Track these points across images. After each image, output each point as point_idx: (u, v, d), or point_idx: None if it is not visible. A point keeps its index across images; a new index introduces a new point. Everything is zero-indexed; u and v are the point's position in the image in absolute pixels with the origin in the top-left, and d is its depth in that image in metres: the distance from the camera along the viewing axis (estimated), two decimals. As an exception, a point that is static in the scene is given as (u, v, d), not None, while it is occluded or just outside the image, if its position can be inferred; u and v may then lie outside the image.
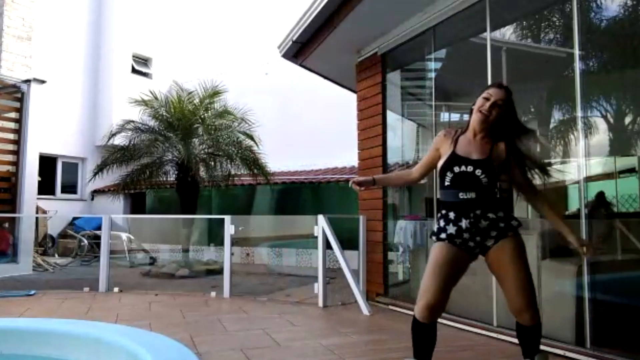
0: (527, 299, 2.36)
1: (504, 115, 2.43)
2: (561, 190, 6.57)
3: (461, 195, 2.38)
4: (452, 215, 2.40)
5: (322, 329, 4.34)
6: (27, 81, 8.14)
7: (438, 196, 2.53)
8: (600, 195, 5.83)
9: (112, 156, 8.63)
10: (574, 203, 6.12)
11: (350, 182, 2.70)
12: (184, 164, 8.33)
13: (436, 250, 2.43)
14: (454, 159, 2.42)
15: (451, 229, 2.40)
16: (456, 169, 2.39)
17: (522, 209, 6.66)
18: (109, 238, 6.31)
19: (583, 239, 2.64)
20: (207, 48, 14.04)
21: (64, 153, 12.59)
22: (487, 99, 2.42)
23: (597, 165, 6.18)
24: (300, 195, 10.23)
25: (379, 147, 5.45)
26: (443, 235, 2.41)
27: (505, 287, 2.42)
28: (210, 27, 14.27)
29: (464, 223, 2.37)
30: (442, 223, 2.44)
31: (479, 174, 2.36)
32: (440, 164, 2.49)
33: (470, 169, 2.37)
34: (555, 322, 3.49)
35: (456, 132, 2.52)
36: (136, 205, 12.53)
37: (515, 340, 3.57)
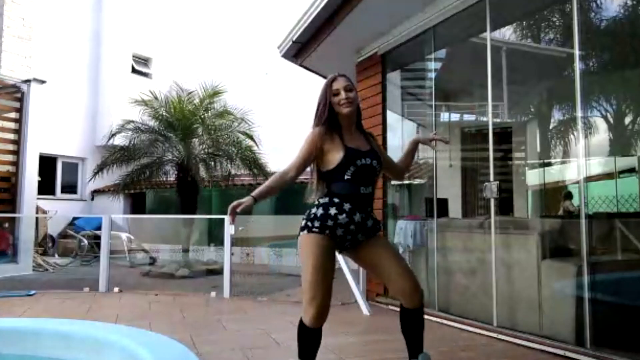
0: (415, 280, 2.45)
1: (357, 96, 2.50)
2: (561, 190, 6.58)
3: (362, 190, 2.41)
4: (347, 206, 2.38)
5: (322, 329, 4.34)
6: (27, 81, 8.14)
7: (333, 189, 2.42)
8: (568, 194, 6.32)
9: (112, 156, 8.63)
10: (574, 203, 6.13)
11: (227, 215, 2.38)
12: (184, 164, 8.33)
13: (315, 244, 2.34)
14: (353, 152, 2.39)
15: (342, 219, 2.36)
16: (358, 162, 2.39)
17: (522, 209, 6.68)
18: (109, 238, 6.31)
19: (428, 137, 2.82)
20: (207, 48, 14.04)
21: (64, 153, 12.59)
22: (337, 94, 2.42)
23: (597, 165, 6.19)
24: (300, 195, 10.18)
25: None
26: (330, 223, 2.35)
27: (390, 272, 2.44)
28: (210, 27, 14.27)
29: (357, 217, 2.40)
30: (332, 211, 2.36)
31: (375, 164, 2.43)
32: (335, 158, 2.39)
33: (368, 161, 2.41)
34: (555, 322, 3.49)
35: (327, 130, 2.43)
36: (136, 205, 12.52)
37: (516, 340, 3.58)
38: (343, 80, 2.45)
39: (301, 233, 2.42)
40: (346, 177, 2.39)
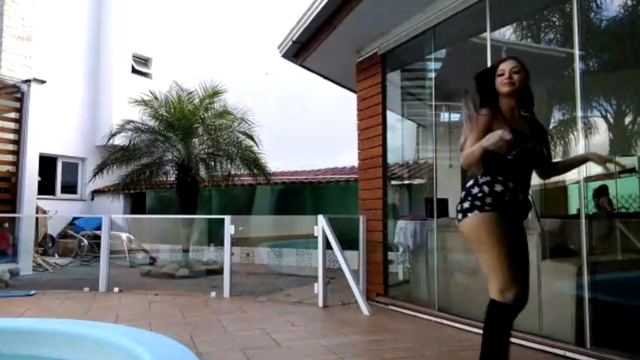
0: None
1: (526, 80, 2.44)
2: (561, 190, 6.58)
3: (524, 171, 2.41)
4: (510, 184, 2.32)
5: (322, 329, 4.34)
6: (27, 81, 8.13)
7: (495, 167, 2.33)
8: (603, 189, 5.76)
9: (112, 156, 8.63)
10: (574, 203, 6.13)
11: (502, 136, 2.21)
12: (184, 164, 8.33)
13: (495, 223, 2.25)
14: (519, 134, 2.33)
15: (508, 196, 2.30)
16: (524, 145, 2.35)
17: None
18: (109, 238, 6.31)
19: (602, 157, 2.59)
20: (207, 48, 14.04)
21: (64, 153, 12.59)
22: (501, 75, 2.43)
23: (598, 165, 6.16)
24: (300, 195, 10.23)
25: (379, 147, 5.45)
26: (500, 200, 2.27)
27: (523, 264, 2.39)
28: (210, 27, 14.27)
29: (520, 197, 2.37)
30: (498, 187, 2.29)
31: (540, 150, 2.42)
32: None
33: (533, 145, 2.40)
34: (555, 322, 3.49)
35: (493, 111, 2.40)
36: (136, 205, 12.53)
37: (516, 340, 3.57)
38: (511, 62, 2.42)
39: (469, 214, 2.28)
40: (509, 157, 2.31)
